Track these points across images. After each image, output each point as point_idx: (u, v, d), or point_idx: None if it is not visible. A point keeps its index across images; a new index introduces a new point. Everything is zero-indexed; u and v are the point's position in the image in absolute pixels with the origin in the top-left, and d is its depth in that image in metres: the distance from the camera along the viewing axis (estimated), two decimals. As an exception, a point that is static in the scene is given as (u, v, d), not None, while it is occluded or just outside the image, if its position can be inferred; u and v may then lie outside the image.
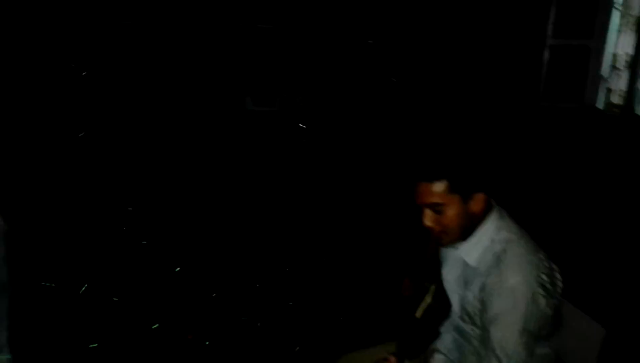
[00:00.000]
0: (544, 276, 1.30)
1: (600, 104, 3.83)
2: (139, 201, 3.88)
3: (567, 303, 1.52)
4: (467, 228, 1.39)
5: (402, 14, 4.39)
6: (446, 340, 1.60)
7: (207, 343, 2.59)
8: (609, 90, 3.77)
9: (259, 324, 2.77)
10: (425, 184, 1.33)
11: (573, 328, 1.49)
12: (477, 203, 1.36)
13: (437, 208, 1.34)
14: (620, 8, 3.68)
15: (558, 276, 1.36)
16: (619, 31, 3.70)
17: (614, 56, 3.74)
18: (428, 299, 1.62)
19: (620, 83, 3.66)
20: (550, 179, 3.71)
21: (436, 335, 1.65)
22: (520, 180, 3.64)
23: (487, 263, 1.37)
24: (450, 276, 1.55)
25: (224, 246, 3.57)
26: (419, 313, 1.59)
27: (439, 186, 1.32)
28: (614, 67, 3.73)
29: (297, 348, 2.52)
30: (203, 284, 3.08)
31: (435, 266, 1.72)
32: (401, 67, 4.53)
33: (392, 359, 1.23)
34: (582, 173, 3.52)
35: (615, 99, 3.72)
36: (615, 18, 3.72)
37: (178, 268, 3.17)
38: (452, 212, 1.34)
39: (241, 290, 3.05)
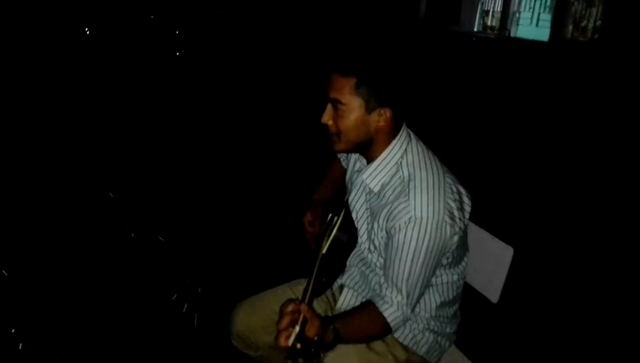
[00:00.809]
0: (451, 202, 1.26)
1: (477, 26, 3.89)
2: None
3: (473, 225, 1.49)
4: (364, 143, 1.32)
5: None
6: (353, 273, 1.52)
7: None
8: (485, 12, 3.83)
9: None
10: (336, 76, 1.27)
11: (480, 250, 1.48)
12: (381, 119, 1.28)
13: (338, 107, 1.27)
14: None
15: (466, 199, 1.34)
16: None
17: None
18: (334, 233, 1.50)
19: (495, 5, 3.72)
20: (439, 101, 3.77)
21: (342, 268, 1.56)
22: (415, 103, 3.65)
23: (394, 190, 1.31)
24: (358, 203, 1.45)
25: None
26: (324, 249, 1.47)
27: (346, 82, 1.25)
28: (489, -12, 3.79)
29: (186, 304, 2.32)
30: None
31: (339, 196, 1.61)
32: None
33: (303, 307, 1.09)
34: (466, 94, 3.60)
35: (491, 21, 3.81)
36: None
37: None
38: (351, 117, 1.27)
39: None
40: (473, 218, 1.37)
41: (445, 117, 3.69)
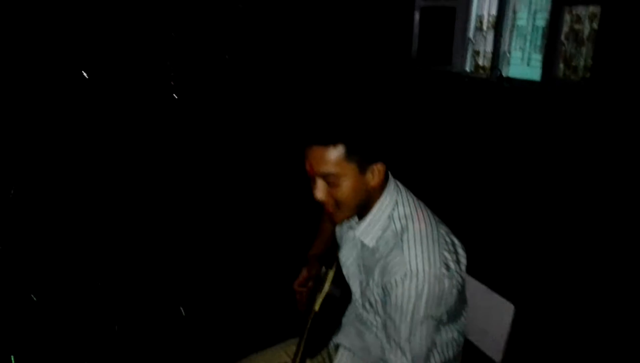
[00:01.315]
0: (447, 254, 1.20)
1: (468, 66, 3.92)
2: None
3: (472, 280, 1.43)
4: (363, 204, 1.25)
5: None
6: (349, 332, 1.45)
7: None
8: (476, 52, 3.86)
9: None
10: (319, 149, 1.15)
11: (480, 306, 1.41)
12: (375, 175, 1.22)
13: (330, 179, 1.17)
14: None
15: (461, 251, 1.28)
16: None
17: (479, 17, 3.82)
18: (326, 288, 1.44)
19: (486, 45, 3.75)
20: (432, 142, 3.75)
21: (337, 325, 1.49)
22: (406, 148, 3.62)
23: (387, 244, 1.25)
24: (348, 260, 1.39)
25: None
26: (317, 306, 1.41)
27: (334, 152, 1.14)
28: (479, 28, 3.82)
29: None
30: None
31: (332, 249, 1.55)
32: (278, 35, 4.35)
33: None
34: (459, 134, 3.59)
35: (482, 61, 3.83)
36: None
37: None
38: (347, 184, 1.17)
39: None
40: (470, 271, 1.31)
41: (438, 162, 3.66)
